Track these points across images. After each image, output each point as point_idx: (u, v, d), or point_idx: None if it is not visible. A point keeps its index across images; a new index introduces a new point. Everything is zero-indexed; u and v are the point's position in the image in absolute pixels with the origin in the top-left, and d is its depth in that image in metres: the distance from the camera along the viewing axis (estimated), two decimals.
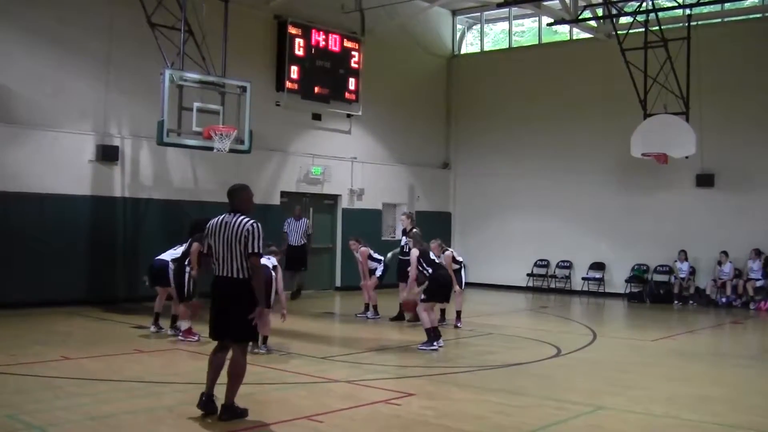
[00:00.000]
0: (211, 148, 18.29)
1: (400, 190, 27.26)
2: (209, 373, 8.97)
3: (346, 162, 25.32)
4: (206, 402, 8.87)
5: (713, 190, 23.69)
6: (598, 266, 25.80)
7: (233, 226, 8.70)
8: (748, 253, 22.66)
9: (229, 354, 8.99)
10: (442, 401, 10.09)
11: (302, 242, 21.83)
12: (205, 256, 9.74)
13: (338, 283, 24.59)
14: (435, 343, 13.92)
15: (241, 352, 8.90)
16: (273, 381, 10.95)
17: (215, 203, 20.93)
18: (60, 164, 18.79)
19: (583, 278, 25.97)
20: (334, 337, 16.29)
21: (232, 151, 18.70)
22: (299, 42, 23.65)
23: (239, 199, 8.97)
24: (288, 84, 23.34)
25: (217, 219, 8.88)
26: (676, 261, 23.79)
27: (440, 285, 14.42)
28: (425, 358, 13.29)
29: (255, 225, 8.71)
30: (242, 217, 8.76)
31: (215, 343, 9.10)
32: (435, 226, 27.58)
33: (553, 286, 26.51)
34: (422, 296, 14.37)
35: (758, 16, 24.33)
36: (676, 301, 23.49)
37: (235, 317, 8.71)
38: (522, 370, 12.40)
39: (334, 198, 25.29)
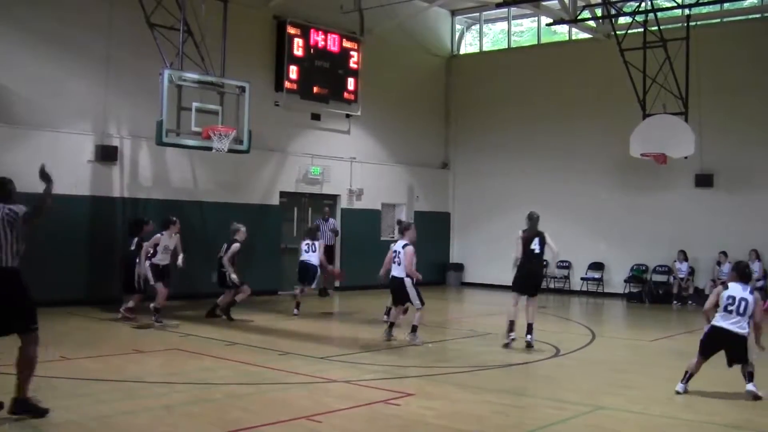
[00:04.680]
0: (210, 149, 18.29)
1: (399, 190, 27.27)
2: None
3: (345, 162, 25.32)
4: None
5: (712, 191, 23.69)
6: (597, 266, 25.80)
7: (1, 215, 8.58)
8: (747, 253, 22.66)
9: None
10: (441, 401, 10.09)
11: (332, 242, 22.36)
12: None
13: (336, 282, 24.52)
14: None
15: (33, 341, 8.53)
16: (272, 381, 10.96)
17: (214, 203, 21.03)
18: (59, 164, 18.65)
19: (582, 278, 25.97)
20: (333, 337, 16.29)
21: (231, 151, 18.69)
22: (298, 42, 23.66)
23: (7, 191, 9.03)
24: (287, 84, 23.34)
25: None
26: (675, 261, 23.79)
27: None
28: (424, 358, 13.30)
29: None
30: (6, 205, 8.71)
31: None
32: (434, 226, 27.63)
33: (551, 286, 26.48)
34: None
35: (757, 16, 24.33)
36: (675, 302, 23.47)
37: (18, 308, 8.46)
38: (521, 370, 12.41)
39: (333, 198, 25.28)
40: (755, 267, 22.52)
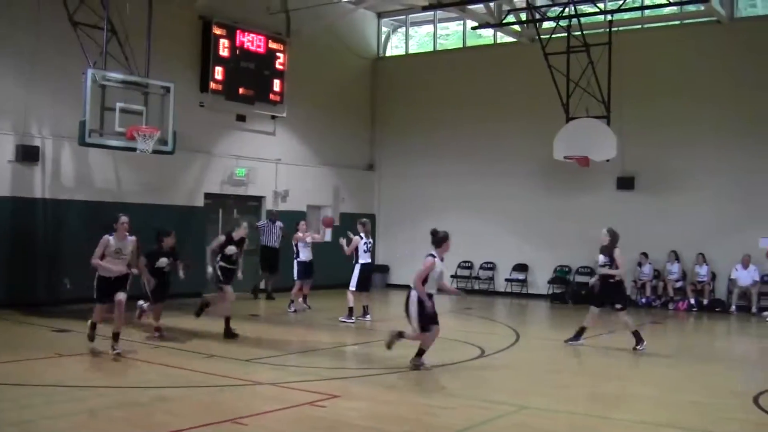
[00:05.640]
0: (134, 149, 18.08)
1: (324, 191, 27.23)
2: None
3: (270, 163, 25.20)
4: None
5: (633, 193, 24.09)
6: (521, 268, 26.06)
7: None
8: (666, 254, 23.13)
9: None
10: (368, 403, 10.12)
11: (277, 245, 22.04)
12: None
13: (262, 284, 24.34)
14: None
15: None
16: (197, 384, 10.86)
17: (138, 204, 20.74)
18: None
19: (507, 279, 26.20)
20: (260, 339, 16.13)
21: (155, 152, 18.47)
22: (224, 42, 23.49)
23: None
24: (212, 85, 23.18)
25: None
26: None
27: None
28: (351, 360, 13.31)
29: None
30: None
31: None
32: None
33: (476, 287, 26.68)
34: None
35: (677, 23, 24.81)
36: None
37: None
38: (447, 371, 12.48)
39: (259, 200, 25.15)
40: (674, 268, 23.04)
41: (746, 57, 22.89)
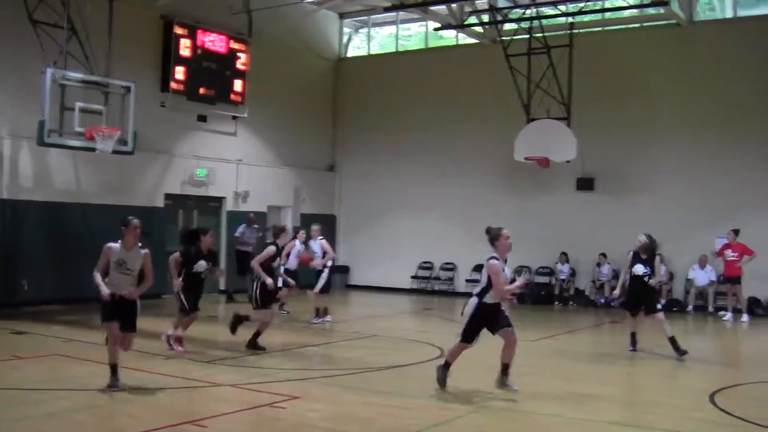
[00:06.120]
0: (93, 149, 17.99)
1: (285, 192, 27.18)
2: None
3: (231, 164, 25.12)
4: None
5: (593, 194, 24.27)
6: (481, 268, 26.07)
7: None
8: (625, 254, 23.29)
9: None
10: (327, 404, 10.14)
11: (251, 249, 21.85)
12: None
13: (222, 285, 24.22)
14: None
15: None
16: (157, 386, 10.81)
17: (98, 205, 20.62)
18: None
19: (467, 280, 26.25)
20: (219, 340, 16.11)
21: (115, 152, 18.41)
22: (185, 42, 23.36)
23: None
24: (173, 85, 23.05)
25: None
26: (557, 263, 24.34)
27: None
28: (310, 361, 13.32)
29: None
30: None
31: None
32: None
33: (436, 288, 26.76)
34: None
35: (637, 25, 25.03)
36: (556, 302, 24.03)
37: None
38: (407, 372, 12.53)
39: (219, 200, 25.06)
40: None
41: (705, 60, 23.14)
